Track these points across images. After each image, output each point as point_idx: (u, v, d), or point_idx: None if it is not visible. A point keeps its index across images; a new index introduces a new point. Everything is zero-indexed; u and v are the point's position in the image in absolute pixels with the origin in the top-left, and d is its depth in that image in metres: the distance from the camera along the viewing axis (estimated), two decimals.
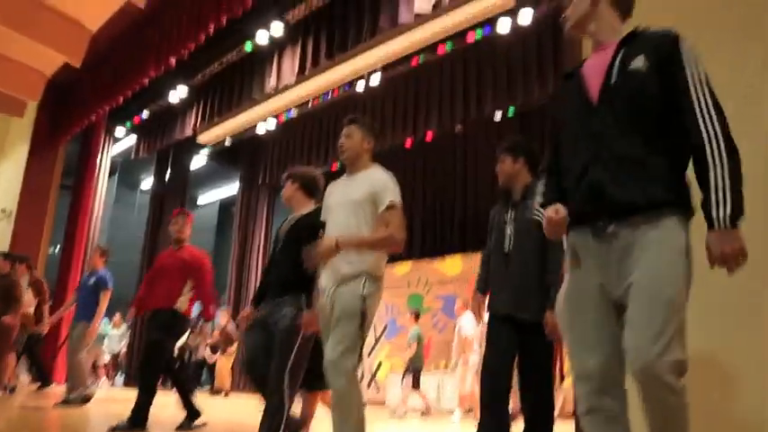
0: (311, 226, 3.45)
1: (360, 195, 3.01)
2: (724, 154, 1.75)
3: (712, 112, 1.80)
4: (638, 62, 1.91)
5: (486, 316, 3.52)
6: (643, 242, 1.81)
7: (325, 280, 3.01)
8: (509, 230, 3.37)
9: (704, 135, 1.78)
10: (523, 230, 3.30)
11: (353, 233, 2.94)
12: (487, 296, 3.50)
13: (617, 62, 1.95)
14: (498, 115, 10.52)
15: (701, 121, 1.80)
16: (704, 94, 1.82)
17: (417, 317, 9.30)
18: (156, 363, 4.62)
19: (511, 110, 10.40)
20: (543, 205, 2.15)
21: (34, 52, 8.42)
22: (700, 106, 1.81)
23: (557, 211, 2.00)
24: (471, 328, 7.79)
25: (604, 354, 1.88)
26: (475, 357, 7.66)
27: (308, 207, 3.84)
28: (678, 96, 1.85)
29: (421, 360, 8.87)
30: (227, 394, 11.59)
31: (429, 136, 11.18)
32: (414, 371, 8.72)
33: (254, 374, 3.55)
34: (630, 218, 1.83)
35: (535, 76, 8.73)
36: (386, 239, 2.95)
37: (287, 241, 3.72)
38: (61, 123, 10.76)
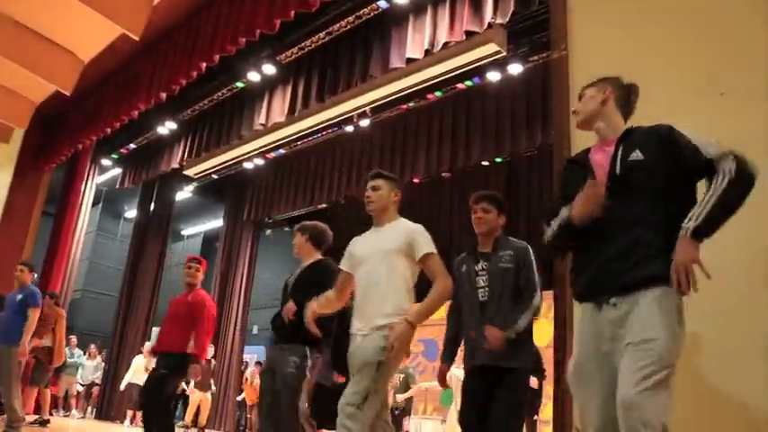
0: (315, 275, 3.90)
1: (390, 245, 3.12)
2: (724, 183, 1.98)
3: (728, 154, 2.02)
4: (637, 154, 2.19)
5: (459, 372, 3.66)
6: (639, 308, 2.03)
7: (357, 325, 3.08)
8: (482, 281, 3.46)
9: (720, 174, 2.01)
10: (498, 280, 3.40)
11: (383, 280, 3.05)
12: (451, 365, 3.76)
13: (619, 155, 2.23)
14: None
15: (720, 162, 2.02)
16: (715, 144, 2.06)
17: (408, 355, 9.17)
18: (157, 395, 4.76)
19: None
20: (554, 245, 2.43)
21: (25, 80, 8.38)
22: (720, 157, 2.03)
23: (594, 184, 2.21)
24: None
25: (604, 417, 2.06)
26: None
27: (314, 257, 4.14)
28: (692, 159, 2.08)
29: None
30: (202, 430, 11.29)
31: (416, 179, 11.18)
32: (408, 413, 8.59)
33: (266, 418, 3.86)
34: (630, 292, 2.06)
35: (523, 127, 8.84)
36: (442, 293, 3.04)
37: (293, 291, 3.97)
38: (47, 151, 10.69)
